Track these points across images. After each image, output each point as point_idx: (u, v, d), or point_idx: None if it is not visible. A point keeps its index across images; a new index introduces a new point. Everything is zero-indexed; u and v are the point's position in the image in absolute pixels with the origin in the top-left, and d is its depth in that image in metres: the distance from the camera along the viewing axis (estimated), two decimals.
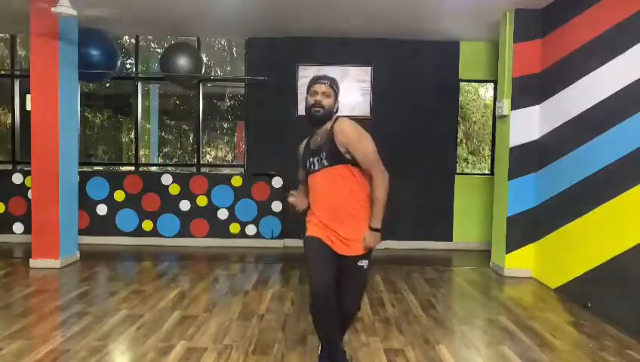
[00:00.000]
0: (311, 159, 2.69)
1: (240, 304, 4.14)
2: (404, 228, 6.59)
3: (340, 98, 2.74)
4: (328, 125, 2.65)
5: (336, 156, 2.58)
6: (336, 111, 2.71)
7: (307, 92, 2.72)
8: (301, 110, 6.56)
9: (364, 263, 2.65)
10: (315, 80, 2.70)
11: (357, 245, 2.62)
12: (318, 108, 2.63)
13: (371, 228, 2.61)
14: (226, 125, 10.53)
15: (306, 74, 6.56)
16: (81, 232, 6.05)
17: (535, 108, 5.20)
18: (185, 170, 7.46)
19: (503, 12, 5.31)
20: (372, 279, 5.03)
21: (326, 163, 2.60)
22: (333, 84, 2.69)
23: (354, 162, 2.58)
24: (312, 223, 2.71)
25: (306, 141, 2.83)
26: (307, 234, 2.70)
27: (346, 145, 2.56)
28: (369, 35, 6.36)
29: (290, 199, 2.80)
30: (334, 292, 2.57)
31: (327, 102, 2.64)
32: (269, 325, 3.64)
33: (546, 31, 5.09)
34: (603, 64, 4.10)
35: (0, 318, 3.64)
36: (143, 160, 8.18)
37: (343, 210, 2.60)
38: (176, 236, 6.68)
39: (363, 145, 2.57)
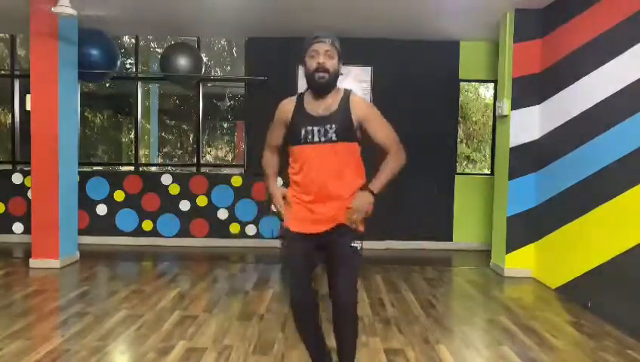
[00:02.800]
0: (309, 128, 2.30)
1: (240, 304, 4.14)
2: (404, 228, 6.60)
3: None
4: (338, 94, 2.35)
5: (348, 131, 2.30)
6: (340, 75, 2.37)
7: (305, 54, 2.32)
8: None
9: (357, 244, 2.35)
10: (314, 39, 2.29)
11: (341, 216, 2.32)
12: (322, 74, 2.25)
13: (368, 190, 2.32)
14: (226, 125, 10.53)
15: None
16: (81, 232, 6.05)
17: (535, 108, 5.19)
18: (185, 170, 7.45)
19: (503, 12, 5.31)
20: (372, 279, 5.03)
21: (334, 137, 2.27)
22: (335, 42, 2.30)
23: (357, 139, 2.36)
24: (293, 206, 2.39)
25: (295, 104, 2.40)
26: (286, 224, 2.40)
27: (364, 120, 2.32)
28: (369, 35, 6.36)
29: (278, 208, 2.42)
30: (315, 297, 2.43)
31: (331, 63, 2.27)
32: (269, 325, 3.64)
33: (546, 31, 5.09)
34: (603, 64, 4.10)
35: (0, 318, 3.64)
36: (142, 160, 8.18)
37: (341, 190, 2.31)
38: (176, 236, 6.67)
39: (383, 120, 2.38)
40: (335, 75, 2.30)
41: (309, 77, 2.31)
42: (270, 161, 2.58)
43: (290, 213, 2.41)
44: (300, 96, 2.42)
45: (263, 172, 2.62)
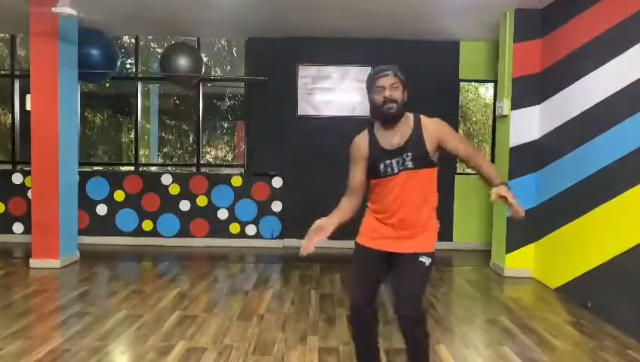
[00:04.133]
0: (388, 161, 2.34)
1: (240, 304, 4.14)
2: None
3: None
4: (408, 121, 2.37)
5: (424, 158, 2.33)
6: (407, 103, 2.37)
7: (369, 90, 2.37)
8: (301, 110, 6.57)
9: (425, 260, 2.35)
10: (376, 74, 2.34)
11: (425, 242, 2.37)
12: (390, 105, 2.29)
13: (500, 183, 2.24)
14: (226, 125, 10.53)
15: (306, 74, 6.56)
16: (81, 232, 6.05)
17: (535, 108, 5.19)
18: (185, 170, 7.46)
19: (503, 12, 5.31)
20: None
21: (410, 165, 2.32)
22: (398, 73, 2.34)
23: (435, 164, 2.38)
24: (368, 227, 2.46)
25: (368, 140, 2.41)
26: (358, 240, 2.48)
27: (441, 139, 2.34)
28: (369, 35, 6.36)
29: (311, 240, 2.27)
30: (372, 305, 2.45)
31: (397, 94, 2.31)
32: (269, 325, 3.64)
33: (546, 31, 5.09)
34: (603, 64, 4.10)
35: (0, 318, 3.65)
36: (143, 160, 8.18)
37: (418, 218, 2.36)
38: (176, 236, 6.67)
39: (456, 134, 2.41)
40: (403, 104, 2.34)
41: (378, 110, 2.34)
42: (344, 203, 2.44)
43: (364, 229, 2.47)
44: (371, 130, 2.44)
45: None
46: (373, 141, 2.40)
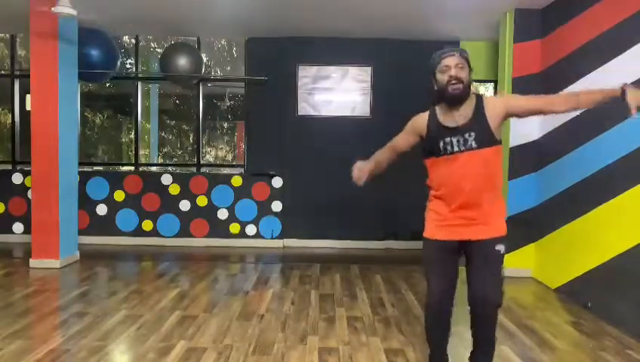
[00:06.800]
0: (447, 139, 2.31)
1: (240, 304, 4.14)
2: (404, 228, 6.59)
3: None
4: (471, 102, 2.34)
5: (488, 137, 2.29)
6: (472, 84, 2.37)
7: (435, 70, 2.35)
8: (301, 110, 6.57)
9: (500, 248, 2.36)
10: (442, 53, 2.34)
11: (496, 226, 2.37)
12: (456, 85, 2.26)
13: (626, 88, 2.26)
14: (226, 125, 10.54)
15: (306, 74, 6.56)
16: (81, 232, 6.05)
17: None
18: (185, 170, 7.45)
19: (503, 12, 5.31)
20: (372, 279, 5.03)
21: (474, 144, 2.28)
22: (464, 54, 2.34)
23: (499, 142, 2.36)
24: (433, 217, 2.46)
25: (428, 117, 2.43)
26: (425, 234, 2.48)
27: (507, 109, 2.31)
28: (369, 35, 6.36)
29: (356, 172, 2.46)
30: (451, 302, 2.48)
31: (463, 75, 2.29)
32: (269, 325, 3.64)
33: (546, 31, 5.09)
34: (603, 64, 4.10)
35: (0, 318, 3.64)
36: (142, 160, 8.18)
37: (483, 197, 2.34)
38: (176, 236, 6.67)
39: (517, 95, 2.38)
40: (468, 85, 2.31)
41: (443, 90, 2.31)
42: (383, 151, 2.61)
43: (430, 221, 2.49)
44: (433, 110, 2.43)
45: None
46: (433, 118, 2.39)
